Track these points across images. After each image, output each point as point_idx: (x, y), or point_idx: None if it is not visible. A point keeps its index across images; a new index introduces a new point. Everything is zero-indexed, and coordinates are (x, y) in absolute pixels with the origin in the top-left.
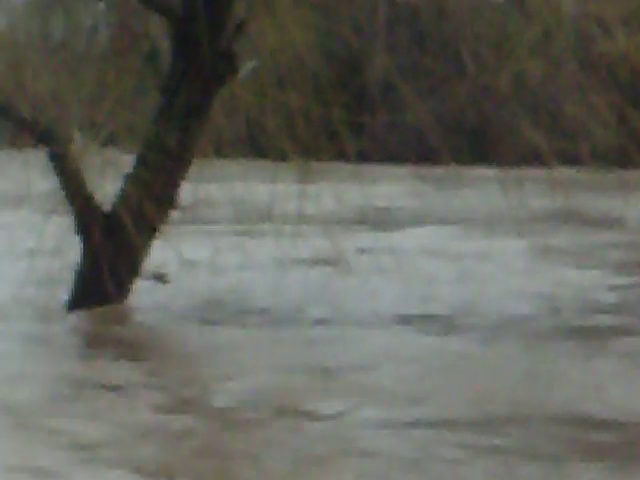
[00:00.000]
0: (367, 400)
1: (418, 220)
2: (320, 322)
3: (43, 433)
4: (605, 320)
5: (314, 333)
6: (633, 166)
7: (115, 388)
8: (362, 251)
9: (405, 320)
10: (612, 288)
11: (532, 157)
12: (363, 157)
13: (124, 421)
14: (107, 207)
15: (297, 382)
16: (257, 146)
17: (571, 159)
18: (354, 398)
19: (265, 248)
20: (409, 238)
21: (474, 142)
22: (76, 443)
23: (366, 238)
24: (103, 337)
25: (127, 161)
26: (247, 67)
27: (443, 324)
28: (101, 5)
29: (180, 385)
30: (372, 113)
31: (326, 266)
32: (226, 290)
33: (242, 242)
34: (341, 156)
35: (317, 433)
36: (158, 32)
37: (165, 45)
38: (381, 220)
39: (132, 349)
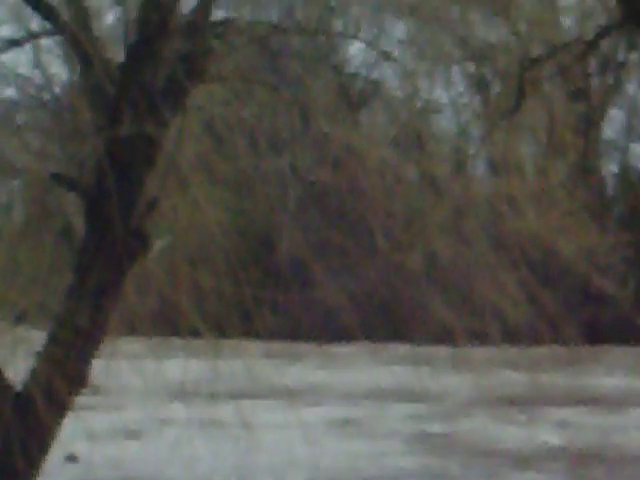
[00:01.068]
0: None
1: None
2: None
3: None
4: None
5: None
6: (542, 343)
7: None
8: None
9: None
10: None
11: (443, 334)
12: (275, 335)
13: None
14: (18, 385)
15: None
16: (169, 323)
17: (481, 337)
18: None
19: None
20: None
21: (386, 319)
22: None
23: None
24: None
25: (38, 338)
26: (159, 244)
27: None
28: (16, 182)
29: None
30: (284, 290)
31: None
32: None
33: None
34: (253, 334)
35: None
36: (72, 209)
37: (79, 223)
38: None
39: None
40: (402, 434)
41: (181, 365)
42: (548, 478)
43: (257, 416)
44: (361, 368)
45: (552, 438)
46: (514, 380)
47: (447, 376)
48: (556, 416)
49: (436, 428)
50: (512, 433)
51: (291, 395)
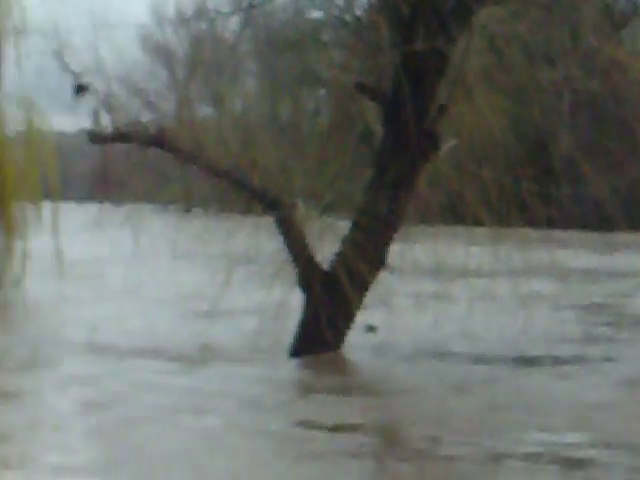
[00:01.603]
0: None
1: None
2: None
3: None
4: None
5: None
6: None
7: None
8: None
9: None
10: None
11: None
12: (549, 224)
13: None
14: (326, 266)
15: None
16: (456, 213)
17: None
18: None
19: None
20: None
21: None
22: None
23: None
24: (320, 380)
25: (343, 226)
26: (448, 145)
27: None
28: (322, 91)
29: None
30: (557, 185)
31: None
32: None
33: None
34: (530, 223)
35: None
36: (371, 115)
37: (377, 126)
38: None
39: (347, 390)
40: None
41: (465, 249)
42: None
43: (530, 290)
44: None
45: None
46: None
47: None
48: None
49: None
50: None
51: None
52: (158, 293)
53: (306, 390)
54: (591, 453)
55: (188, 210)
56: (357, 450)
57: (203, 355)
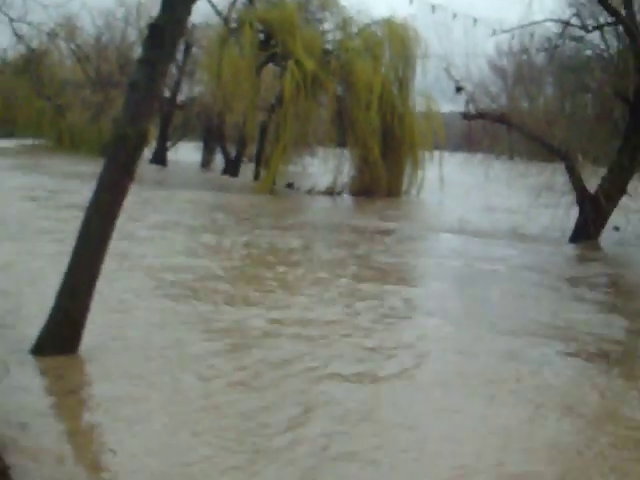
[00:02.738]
0: None
1: None
2: None
3: None
4: None
5: None
6: None
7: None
8: None
9: None
10: None
11: None
12: None
13: None
14: (592, 192)
15: None
16: None
17: None
18: None
19: None
20: None
21: None
22: None
23: None
24: (586, 256)
25: (602, 172)
26: None
27: None
28: (588, 96)
29: None
30: None
31: None
32: None
33: None
34: None
35: None
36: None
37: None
38: None
39: (597, 259)
40: None
41: None
42: None
43: None
44: None
45: None
46: None
47: None
48: None
49: None
50: None
51: None
52: (488, 201)
53: (579, 259)
54: None
55: (511, 158)
56: (599, 281)
57: (511, 236)
